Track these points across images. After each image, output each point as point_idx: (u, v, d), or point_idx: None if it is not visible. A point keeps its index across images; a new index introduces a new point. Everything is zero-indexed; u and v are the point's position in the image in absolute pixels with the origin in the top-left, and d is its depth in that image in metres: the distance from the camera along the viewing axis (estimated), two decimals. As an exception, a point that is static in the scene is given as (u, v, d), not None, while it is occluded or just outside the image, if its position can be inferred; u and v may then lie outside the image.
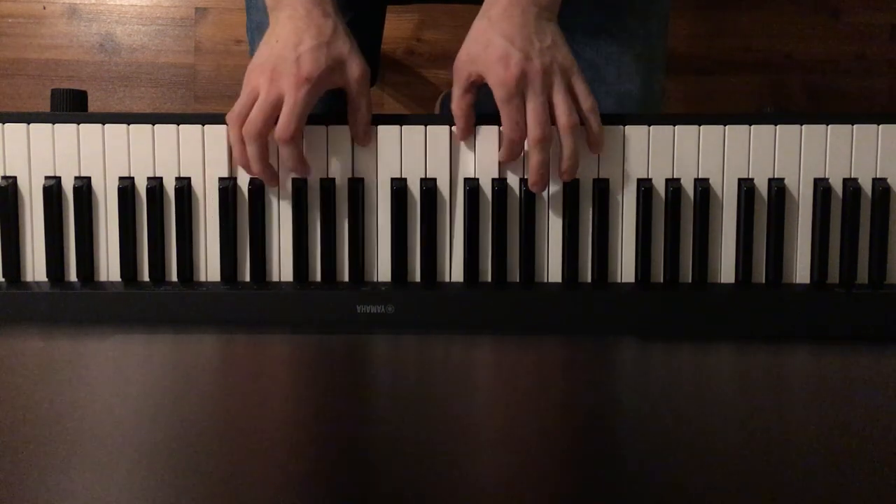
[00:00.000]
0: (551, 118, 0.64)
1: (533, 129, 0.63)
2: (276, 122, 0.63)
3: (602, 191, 0.66)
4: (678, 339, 0.63)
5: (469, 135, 0.66)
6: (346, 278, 0.67)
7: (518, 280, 0.67)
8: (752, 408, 0.39)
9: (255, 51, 0.66)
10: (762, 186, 0.66)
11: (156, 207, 0.66)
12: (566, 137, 0.63)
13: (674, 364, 0.52)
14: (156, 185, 0.66)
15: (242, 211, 0.67)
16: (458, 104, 0.66)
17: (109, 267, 0.67)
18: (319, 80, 0.63)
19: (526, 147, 0.64)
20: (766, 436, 0.33)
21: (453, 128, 0.66)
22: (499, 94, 0.63)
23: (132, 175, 0.67)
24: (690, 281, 0.67)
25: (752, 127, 0.66)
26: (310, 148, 0.67)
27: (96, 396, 0.40)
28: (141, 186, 0.67)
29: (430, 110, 1.30)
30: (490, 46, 0.63)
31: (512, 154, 0.65)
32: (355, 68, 0.65)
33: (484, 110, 0.66)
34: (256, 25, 0.81)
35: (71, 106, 0.69)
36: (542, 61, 0.63)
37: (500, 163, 0.66)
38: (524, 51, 0.62)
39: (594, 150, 0.65)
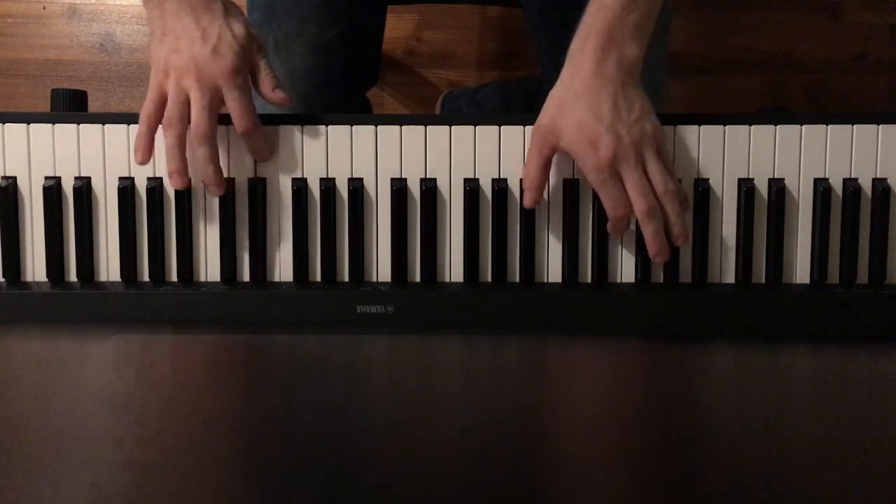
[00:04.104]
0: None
1: (639, 202, 0.62)
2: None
3: (602, 191, 0.66)
4: (678, 339, 0.63)
5: (537, 204, 0.65)
6: (346, 278, 0.67)
7: (518, 280, 0.67)
8: (751, 408, 0.39)
9: (162, 50, 0.64)
10: (762, 186, 0.66)
11: (156, 207, 0.66)
12: (669, 204, 0.63)
13: (674, 364, 0.52)
14: (156, 185, 0.66)
15: (242, 211, 0.67)
16: (538, 173, 0.64)
17: (109, 267, 0.67)
18: (244, 66, 0.64)
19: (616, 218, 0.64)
20: (766, 436, 0.33)
21: (453, 127, 0.66)
22: (593, 179, 0.62)
23: (132, 175, 0.67)
24: (690, 281, 0.67)
25: (752, 127, 0.66)
26: (309, 148, 0.67)
27: (96, 396, 0.40)
28: (141, 186, 0.67)
29: (430, 110, 1.30)
30: (581, 128, 0.62)
31: (619, 230, 0.65)
32: (254, 40, 0.66)
33: (486, 110, 0.66)
34: (258, 25, 0.81)
35: (71, 106, 0.69)
36: (632, 137, 0.62)
37: (609, 235, 0.66)
38: (614, 130, 0.61)
39: (676, 240, 0.65)
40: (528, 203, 0.65)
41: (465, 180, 0.66)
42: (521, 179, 0.66)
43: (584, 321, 0.65)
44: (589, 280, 0.67)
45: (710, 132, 0.66)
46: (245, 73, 0.64)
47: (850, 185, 0.66)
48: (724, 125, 0.66)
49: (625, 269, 0.67)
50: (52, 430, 0.33)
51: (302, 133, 0.67)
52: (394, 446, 0.32)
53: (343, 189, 0.67)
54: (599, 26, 0.63)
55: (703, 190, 0.66)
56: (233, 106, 0.63)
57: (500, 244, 0.66)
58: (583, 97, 0.62)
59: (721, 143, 0.66)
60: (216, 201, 0.67)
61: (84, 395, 0.40)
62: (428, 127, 0.67)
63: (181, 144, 0.64)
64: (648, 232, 0.63)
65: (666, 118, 0.66)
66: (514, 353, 0.56)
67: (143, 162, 0.65)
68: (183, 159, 0.64)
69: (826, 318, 0.65)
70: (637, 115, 0.63)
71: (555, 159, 0.66)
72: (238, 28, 0.65)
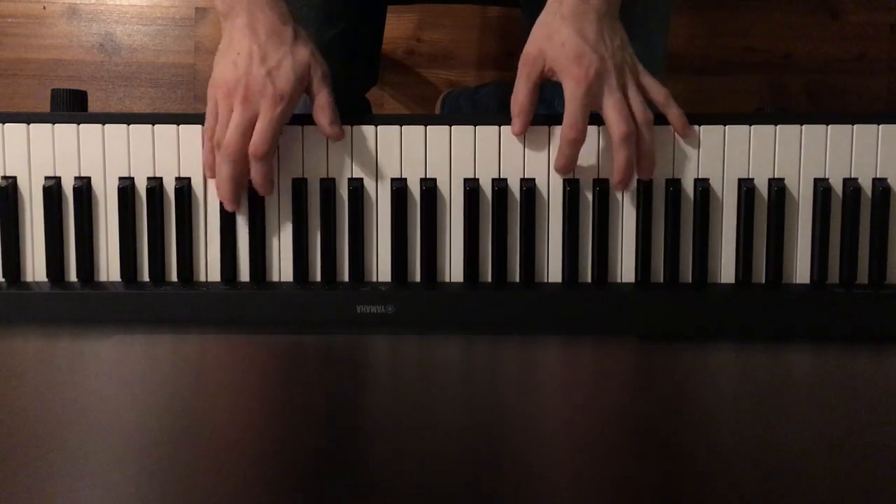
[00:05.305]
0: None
1: (619, 125, 0.63)
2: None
3: (602, 191, 0.66)
4: (678, 339, 0.63)
5: (524, 133, 0.66)
6: (346, 278, 0.67)
7: (518, 280, 0.67)
8: (751, 408, 0.39)
9: (222, 63, 0.65)
10: (762, 186, 0.66)
11: (156, 207, 0.66)
12: (647, 134, 0.64)
13: (674, 364, 0.52)
14: (156, 185, 0.66)
15: (242, 211, 0.67)
16: (527, 99, 0.65)
17: (109, 267, 0.67)
18: (293, 96, 0.63)
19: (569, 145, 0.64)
20: (766, 436, 0.33)
21: (453, 127, 0.66)
22: (571, 91, 0.63)
23: (132, 175, 0.67)
24: (690, 281, 0.67)
25: (752, 127, 0.66)
26: (309, 148, 0.67)
27: (96, 396, 0.40)
28: (141, 186, 0.67)
29: (430, 110, 1.30)
30: (565, 44, 0.63)
31: (569, 158, 0.64)
32: (318, 69, 0.66)
33: (486, 110, 0.66)
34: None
35: (71, 106, 0.69)
36: (615, 61, 0.63)
37: (557, 169, 0.66)
38: (598, 50, 0.63)
39: (684, 133, 0.66)
40: (515, 130, 0.65)
41: (465, 180, 0.66)
42: (521, 179, 0.66)
43: (584, 321, 0.65)
44: (589, 280, 0.67)
45: (710, 132, 0.66)
46: (292, 102, 0.64)
47: (850, 185, 0.66)
48: (724, 125, 0.66)
49: (625, 269, 0.67)
50: (52, 430, 0.33)
51: (302, 133, 0.67)
52: (393, 446, 0.32)
53: (343, 189, 0.67)
54: None
55: (703, 190, 0.66)
56: (259, 126, 0.63)
57: (500, 244, 0.66)
58: (568, 20, 0.64)
59: (721, 143, 0.66)
60: (216, 201, 0.67)
61: (84, 395, 0.40)
62: (428, 127, 0.67)
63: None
64: (622, 157, 0.63)
65: (666, 118, 0.66)
66: (514, 353, 0.56)
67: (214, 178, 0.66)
68: (239, 189, 0.65)
69: (826, 318, 0.65)
70: (619, 43, 0.65)
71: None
72: (301, 57, 0.64)
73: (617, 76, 0.63)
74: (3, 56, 1.31)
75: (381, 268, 0.67)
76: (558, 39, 0.64)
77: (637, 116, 0.64)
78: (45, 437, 0.32)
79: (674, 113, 0.66)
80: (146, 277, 0.67)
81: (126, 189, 0.66)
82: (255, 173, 0.64)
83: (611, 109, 0.63)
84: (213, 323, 0.65)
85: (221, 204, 0.66)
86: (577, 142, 0.64)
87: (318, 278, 0.67)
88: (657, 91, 0.66)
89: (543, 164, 0.66)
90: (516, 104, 0.65)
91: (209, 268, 0.67)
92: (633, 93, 0.64)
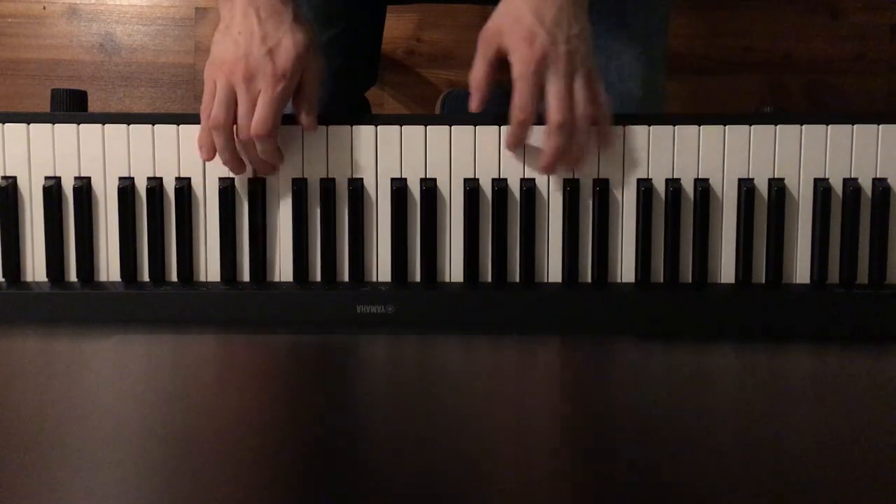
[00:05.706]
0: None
1: (556, 113, 0.62)
2: None
3: (602, 191, 0.66)
4: (678, 339, 0.63)
5: (482, 108, 0.65)
6: (346, 278, 0.67)
7: (518, 280, 0.67)
8: (751, 408, 0.39)
9: (223, 44, 0.65)
10: (762, 186, 0.66)
11: (156, 207, 0.66)
12: (581, 130, 0.63)
13: (674, 364, 0.52)
14: (156, 185, 0.66)
15: (242, 211, 0.67)
16: (483, 77, 0.65)
17: (109, 267, 0.67)
18: (294, 74, 0.63)
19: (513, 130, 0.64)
20: (766, 436, 0.33)
21: (453, 127, 0.66)
22: (517, 70, 0.62)
23: (132, 175, 0.67)
24: (690, 281, 0.67)
25: (752, 127, 0.66)
26: (309, 148, 0.67)
27: (96, 396, 0.40)
28: (141, 186, 0.67)
29: (430, 110, 1.30)
30: (520, 22, 0.63)
31: (517, 137, 0.64)
32: (314, 55, 0.66)
33: (486, 110, 0.66)
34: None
35: (71, 106, 0.69)
36: (568, 47, 0.63)
37: (506, 147, 0.65)
38: (552, 33, 0.62)
39: (604, 146, 0.66)
40: (472, 107, 0.65)
41: (465, 180, 0.66)
42: (521, 179, 0.66)
43: (584, 321, 0.65)
44: (589, 280, 0.67)
45: (710, 132, 0.66)
46: (292, 82, 0.64)
47: (850, 185, 0.66)
48: (724, 125, 0.66)
49: (625, 269, 0.67)
50: (52, 430, 0.33)
51: (302, 133, 0.67)
52: (393, 446, 0.32)
53: (343, 189, 0.67)
54: None
55: (703, 190, 0.66)
56: (260, 105, 0.63)
57: (500, 244, 0.66)
58: (531, 1, 0.63)
59: (721, 143, 0.66)
60: (216, 201, 0.67)
61: (84, 395, 0.40)
62: (428, 127, 0.67)
63: (230, 145, 0.64)
64: (553, 144, 0.63)
65: (666, 118, 0.66)
66: (514, 353, 0.56)
67: (209, 159, 0.66)
68: (235, 157, 0.65)
69: (826, 318, 0.65)
70: (577, 32, 0.63)
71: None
72: (300, 38, 0.64)
73: (566, 63, 0.62)
74: (3, 56, 1.31)
75: (381, 268, 0.67)
76: (515, 17, 0.63)
77: (577, 108, 0.63)
78: (45, 436, 0.32)
79: (605, 124, 0.65)
80: (146, 277, 0.67)
81: (126, 189, 0.66)
82: (262, 152, 0.64)
83: (552, 95, 0.63)
84: (213, 323, 0.65)
85: (221, 204, 0.66)
86: (527, 122, 0.63)
87: (318, 278, 0.67)
88: (599, 95, 0.65)
89: (543, 164, 0.66)
90: (473, 80, 0.65)
91: (209, 268, 0.67)
92: (578, 84, 0.63)
